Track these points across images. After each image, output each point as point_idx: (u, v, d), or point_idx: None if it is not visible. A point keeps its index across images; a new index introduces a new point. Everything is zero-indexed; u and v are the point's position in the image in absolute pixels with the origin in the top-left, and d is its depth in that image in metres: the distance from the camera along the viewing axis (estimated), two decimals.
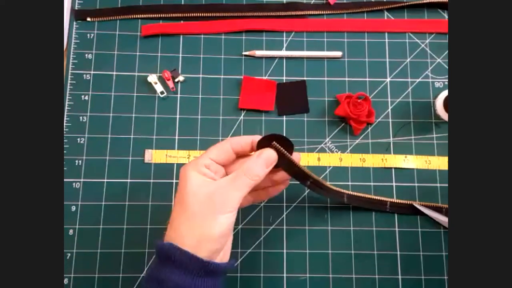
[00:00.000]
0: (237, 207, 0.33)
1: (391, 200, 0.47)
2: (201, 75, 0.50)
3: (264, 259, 0.45)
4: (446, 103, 0.48)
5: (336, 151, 0.49)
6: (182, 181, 0.34)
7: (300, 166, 0.37)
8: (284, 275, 0.45)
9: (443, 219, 0.45)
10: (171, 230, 0.33)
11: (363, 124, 0.48)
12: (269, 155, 0.35)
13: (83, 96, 0.49)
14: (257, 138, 0.36)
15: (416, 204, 0.46)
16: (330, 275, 0.45)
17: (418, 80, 0.51)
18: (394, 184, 0.48)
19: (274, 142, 0.35)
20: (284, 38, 0.52)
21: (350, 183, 0.48)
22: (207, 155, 0.35)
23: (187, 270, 0.31)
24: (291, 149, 0.36)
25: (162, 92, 0.49)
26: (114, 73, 0.50)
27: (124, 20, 0.51)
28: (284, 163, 0.36)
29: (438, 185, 0.48)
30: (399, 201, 0.47)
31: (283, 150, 0.35)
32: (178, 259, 0.31)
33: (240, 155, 0.37)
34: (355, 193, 0.46)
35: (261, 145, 0.36)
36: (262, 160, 0.34)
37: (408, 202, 0.47)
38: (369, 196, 0.46)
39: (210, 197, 0.32)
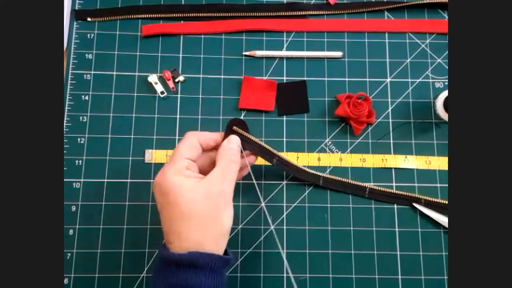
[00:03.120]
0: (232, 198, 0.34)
1: (370, 186, 0.47)
2: (201, 75, 0.50)
3: (264, 259, 0.45)
4: (446, 103, 0.48)
5: (336, 151, 0.49)
6: (170, 192, 0.32)
7: (261, 143, 0.41)
8: (284, 275, 0.45)
9: (443, 219, 0.45)
10: (183, 241, 0.32)
11: (363, 124, 0.48)
12: (237, 139, 0.38)
13: (83, 96, 0.49)
14: (220, 134, 0.39)
15: (416, 204, 0.46)
16: (330, 275, 0.45)
17: (418, 80, 0.51)
18: (394, 184, 0.48)
19: (234, 127, 0.40)
20: (284, 38, 0.52)
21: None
22: (182, 155, 0.35)
23: (212, 270, 0.32)
24: (246, 127, 0.40)
25: (162, 92, 0.49)
26: (114, 73, 0.50)
27: (124, 20, 0.51)
28: (248, 144, 0.40)
29: (438, 185, 0.48)
30: (381, 189, 0.47)
31: (241, 131, 0.40)
32: (204, 263, 0.31)
33: (204, 149, 0.38)
34: (332, 177, 0.46)
35: (226, 133, 0.39)
36: (235, 145, 0.37)
37: (387, 190, 0.47)
38: (346, 180, 0.47)
39: (209, 196, 0.32)
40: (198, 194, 0.32)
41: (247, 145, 0.40)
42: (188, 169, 0.34)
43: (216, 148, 0.38)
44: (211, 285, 0.31)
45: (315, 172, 0.46)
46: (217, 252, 0.33)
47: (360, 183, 0.47)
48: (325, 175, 0.46)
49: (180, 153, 0.35)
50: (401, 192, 0.47)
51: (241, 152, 0.39)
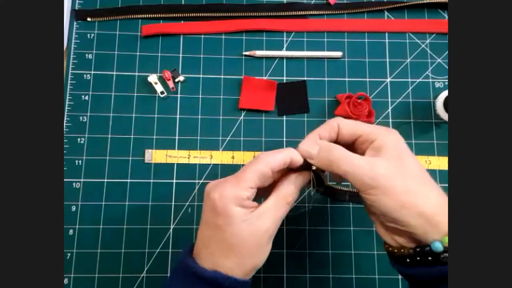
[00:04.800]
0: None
1: None
2: (201, 75, 0.50)
3: None
4: (446, 103, 0.48)
5: None
6: (223, 217, 0.31)
7: (335, 187, 0.37)
8: (284, 275, 0.45)
9: None
10: (213, 261, 0.31)
11: None
12: (305, 179, 0.34)
13: (83, 96, 0.49)
14: (293, 153, 0.33)
15: None
16: (330, 275, 0.45)
17: (418, 80, 0.51)
18: None
19: (313, 166, 0.33)
20: (284, 38, 0.52)
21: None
22: (248, 184, 0.31)
23: None
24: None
25: (162, 92, 0.49)
26: (114, 73, 0.50)
27: (124, 20, 0.51)
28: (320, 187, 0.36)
29: (438, 185, 0.48)
30: None
31: (321, 174, 0.35)
32: (228, 285, 0.31)
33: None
34: None
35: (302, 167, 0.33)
36: (298, 185, 0.33)
37: None
38: None
39: (255, 233, 0.31)
40: (246, 229, 0.31)
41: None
42: (249, 198, 0.32)
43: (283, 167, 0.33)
44: None
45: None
46: (243, 277, 0.32)
47: None
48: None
49: (248, 179, 0.31)
50: None
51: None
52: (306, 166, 0.33)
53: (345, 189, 0.38)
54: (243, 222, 0.31)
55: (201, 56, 0.51)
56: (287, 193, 0.33)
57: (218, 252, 0.31)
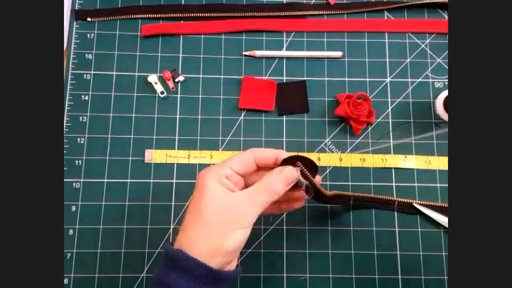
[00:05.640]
0: (253, 222, 0.32)
1: (391, 198, 0.47)
2: (201, 75, 0.50)
3: (264, 259, 0.45)
4: (446, 103, 0.48)
5: (336, 151, 0.49)
6: (200, 189, 0.33)
7: (322, 189, 0.36)
8: (284, 275, 0.45)
9: (443, 219, 0.45)
10: (183, 236, 0.33)
11: (363, 124, 0.48)
12: (291, 174, 0.34)
13: (83, 96, 0.49)
14: (282, 153, 0.35)
15: (416, 204, 0.46)
16: (330, 275, 0.45)
17: (418, 80, 0.51)
18: (394, 184, 0.48)
19: (299, 162, 0.34)
20: (284, 38, 0.52)
21: (350, 183, 0.48)
22: (229, 164, 0.34)
23: (194, 277, 0.31)
24: (315, 172, 0.35)
25: (162, 92, 0.49)
26: (114, 73, 0.50)
27: (124, 20, 0.51)
28: (304, 183, 0.35)
29: (438, 185, 0.48)
30: (399, 199, 0.47)
31: (306, 172, 0.34)
32: (186, 266, 0.31)
33: (261, 167, 0.36)
34: (360, 194, 0.46)
35: (285, 162, 0.35)
36: (283, 178, 0.34)
37: (409, 201, 0.47)
38: (373, 196, 0.47)
39: (228, 210, 0.32)
40: (219, 203, 0.32)
41: (305, 186, 0.35)
42: (228, 178, 0.34)
43: (273, 167, 0.35)
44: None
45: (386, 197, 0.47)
46: (207, 262, 0.31)
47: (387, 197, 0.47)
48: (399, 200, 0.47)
49: (230, 161, 0.34)
50: (422, 202, 0.47)
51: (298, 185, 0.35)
52: (291, 163, 0.35)
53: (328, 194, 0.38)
54: (219, 197, 0.32)
55: (201, 56, 0.51)
56: (269, 181, 0.33)
57: (189, 224, 0.32)
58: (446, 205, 0.46)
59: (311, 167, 0.35)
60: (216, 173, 0.33)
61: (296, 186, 0.35)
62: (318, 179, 0.37)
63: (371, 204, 0.47)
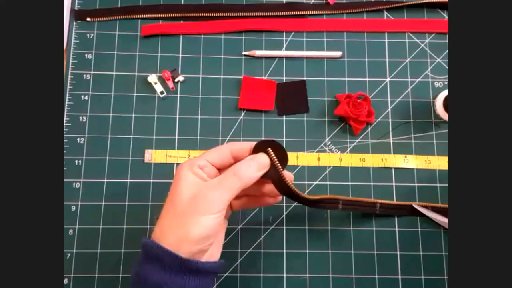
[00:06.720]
0: (223, 210, 0.32)
1: (381, 201, 0.46)
2: (201, 75, 0.50)
3: (264, 259, 0.45)
4: (446, 103, 0.48)
5: (336, 151, 0.49)
6: (175, 179, 0.34)
7: (288, 183, 0.35)
8: (284, 275, 0.45)
9: (442, 219, 0.45)
10: (157, 226, 0.33)
11: (363, 124, 0.48)
12: (262, 160, 0.34)
13: (83, 96, 0.49)
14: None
15: (416, 205, 0.46)
16: (330, 275, 0.45)
17: (418, 80, 0.51)
18: (394, 184, 0.48)
19: (269, 149, 0.35)
20: (284, 38, 0.52)
21: (350, 183, 0.48)
22: (204, 156, 0.35)
23: (165, 266, 0.31)
24: (285, 163, 0.35)
25: (162, 92, 0.49)
26: (114, 73, 0.50)
27: (124, 20, 0.51)
28: (273, 174, 0.35)
29: (438, 185, 0.48)
30: (391, 202, 0.47)
31: (276, 160, 0.34)
32: (156, 255, 0.31)
33: (237, 160, 0.36)
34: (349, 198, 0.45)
35: (257, 149, 0.35)
36: (254, 163, 0.34)
37: (402, 203, 0.47)
38: (360, 199, 0.46)
39: (195, 197, 0.32)
40: (189, 191, 0.32)
41: (272, 175, 0.35)
42: (202, 169, 0.34)
43: None
44: (159, 279, 0.31)
45: (371, 200, 0.46)
46: (176, 251, 0.31)
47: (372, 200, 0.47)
48: (381, 201, 0.46)
49: (206, 153, 0.35)
50: (421, 203, 0.46)
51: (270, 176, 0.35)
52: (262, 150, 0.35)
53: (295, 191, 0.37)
54: (190, 186, 0.33)
55: (201, 56, 0.51)
56: (239, 165, 0.34)
57: (163, 213, 0.33)
58: (446, 205, 0.46)
59: (282, 158, 0.35)
60: (190, 163, 0.34)
61: (267, 175, 0.35)
62: (290, 177, 0.36)
63: (361, 208, 0.46)
